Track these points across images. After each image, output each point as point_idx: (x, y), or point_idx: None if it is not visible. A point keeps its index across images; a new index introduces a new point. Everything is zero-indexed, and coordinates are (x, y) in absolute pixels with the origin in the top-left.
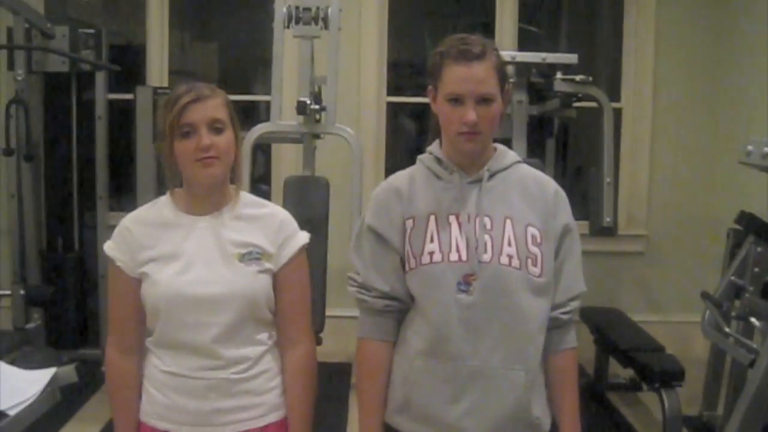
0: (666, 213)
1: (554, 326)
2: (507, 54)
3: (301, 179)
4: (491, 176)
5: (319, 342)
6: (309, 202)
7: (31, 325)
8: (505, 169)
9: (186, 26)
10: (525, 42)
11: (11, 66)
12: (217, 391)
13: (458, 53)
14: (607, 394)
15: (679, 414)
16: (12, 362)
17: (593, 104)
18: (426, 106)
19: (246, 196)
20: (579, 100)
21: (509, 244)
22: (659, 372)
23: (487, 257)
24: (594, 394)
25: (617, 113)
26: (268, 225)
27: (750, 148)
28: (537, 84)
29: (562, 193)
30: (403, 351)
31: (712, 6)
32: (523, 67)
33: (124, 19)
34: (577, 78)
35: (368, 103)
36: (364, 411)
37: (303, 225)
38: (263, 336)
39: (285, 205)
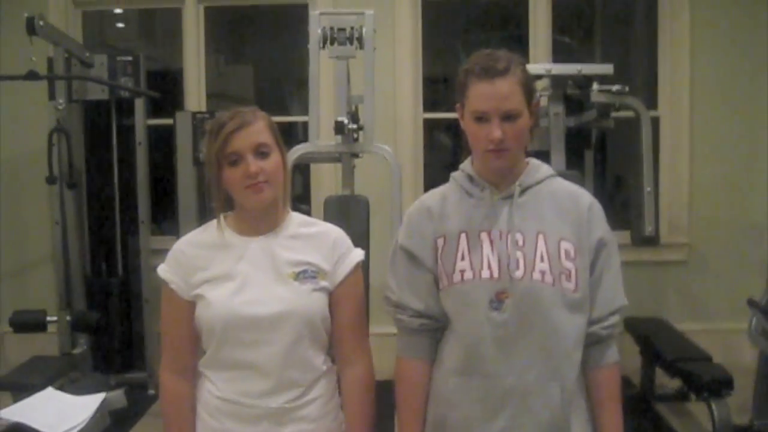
0: (708, 220)
1: (593, 342)
2: (542, 67)
3: (341, 198)
4: (523, 191)
5: None
6: (349, 222)
7: (77, 351)
8: (538, 183)
9: (221, 49)
10: (559, 53)
11: (52, 96)
12: (271, 420)
13: (482, 70)
14: (655, 405)
15: (729, 423)
16: (60, 388)
17: (631, 114)
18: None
19: (297, 216)
20: (616, 110)
21: (542, 260)
22: (707, 381)
23: (519, 274)
24: (641, 405)
25: (655, 122)
26: (323, 243)
27: None
28: (573, 95)
29: (597, 206)
30: (439, 370)
31: (747, 11)
32: (558, 79)
33: (160, 44)
34: (614, 88)
35: (405, 121)
36: (403, 429)
37: None
38: (319, 360)
39: None
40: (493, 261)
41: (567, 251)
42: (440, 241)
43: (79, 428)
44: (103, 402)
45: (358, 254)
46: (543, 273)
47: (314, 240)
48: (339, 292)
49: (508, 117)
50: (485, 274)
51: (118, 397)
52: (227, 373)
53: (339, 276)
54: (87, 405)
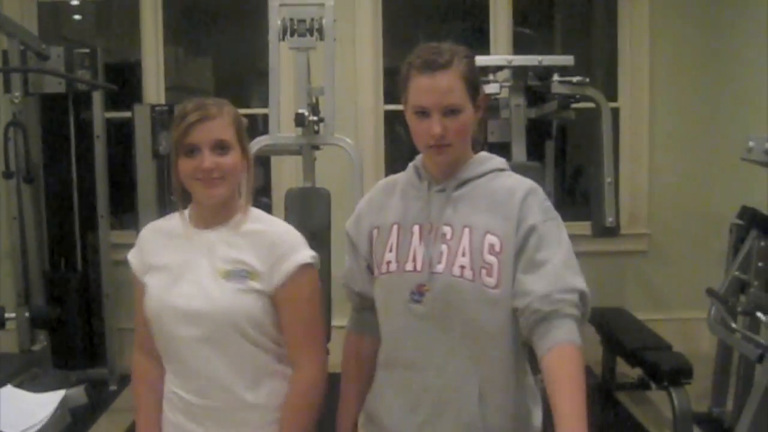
0: (667, 211)
1: (536, 320)
2: (503, 58)
3: (302, 191)
4: (460, 185)
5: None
6: (311, 214)
7: (37, 347)
8: (479, 177)
9: (180, 42)
10: (520, 45)
11: (7, 89)
12: (213, 419)
13: (423, 63)
14: (617, 394)
15: (689, 411)
16: (19, 385)
17: (591, 105)
18: None
19: (255, 213)
20: (577, 101)
21: (463, 254)
22: (668, 370)
23: (440, 267)
24: (602, 394)
25: (615, 113)
26: (261, 243)
27: (751, 144)
28: (534, 87)
29: (536, 196)
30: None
31: (707, 2)
32: (519, 71)
33: (118, 37)
34: (574, 79)
35: (366, 112)
36: (341, 397)
37: (306, 236)
38: (258, 362)
39: (287, 218)
40: (419, 254)
41: (492, 245)
42: (374, 232)
43: (39, 426)
44: (64, 399)
45: (303, 256)
46: (463, 268)
47: (254, 239)
48: (279, 296)
49: (450, 112)
50: (409, 266)
51: (79, 393)
52: (170, 366)
53: (276, 279)
54: (47, 402)
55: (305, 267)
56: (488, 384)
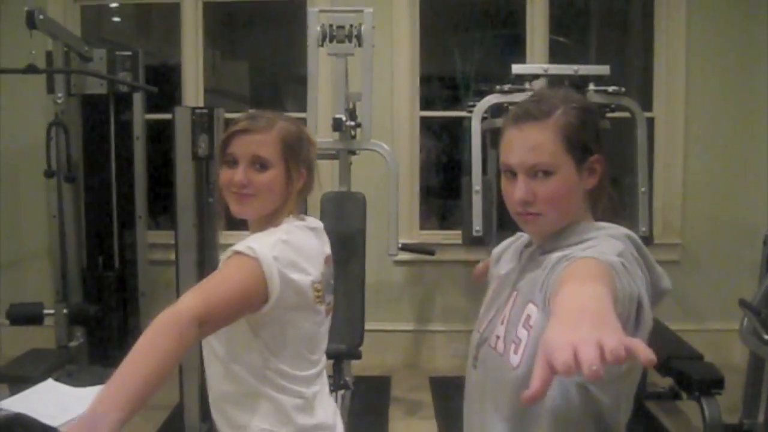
0: (701, 221)
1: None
2: (539, 66)
3: (337, 195)
4: (545, 253)
5: (358, 356)
6: (346, 218)
7: (74, 344)
8: (569, 246)
9: (218, 45)
10: (556, 54)
11: (51, 89)
12: None
13: (516, 114)
14: (647, 403)
15: (719, 422)
16: (57, 380)
17: (627, 115)
18: (458, 119)
19: (285, 224)
20: (612, 111)
21: (502, 323)
22: (698, 380)
23: (487, 334)
24: (633, 403)
25: (650, 123)
26: None
27: None
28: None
29: (572, 258)
30: None
31: (743, 12)
32: (555, 80)
33: (158, 40)
34: (610, 89)
35: (402, 118)
36: None
37: (340, 241)
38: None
39: (322, 221)
40: (486, 316)
41: (528, 316)
42: (491, 283)
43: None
44: None
45: (241, 246)
46: (498, 338)
47: None
48: None
49: (539, 173)
50: (478, 326)
51: None
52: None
53: None
54: (86, 397)
55: (236, 253)
56: None
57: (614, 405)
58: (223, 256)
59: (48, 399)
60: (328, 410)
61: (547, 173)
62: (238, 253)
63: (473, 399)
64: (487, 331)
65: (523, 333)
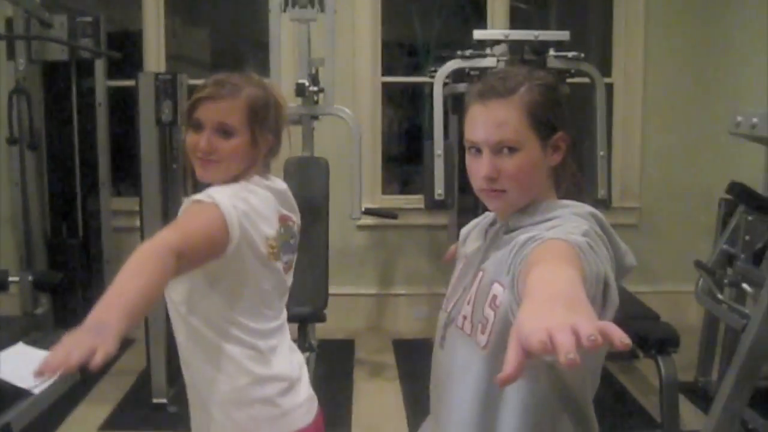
0: (659, 185)
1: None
2: (500, 32)
3: (301, 160)
4: (509, 231)
5: (323, 319)
6: (310, 183)
7: (39, 311)
8: (533, 225)
9: (179, 11)
10: (517, 20)
11: (11, 56)
12: None
13: (481, 90)
14: (605, 363)
15: (675, 380)
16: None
17: (586, 80)
18: (419, 85)
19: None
20: (571, 76)
21: (468, 303)
22: (655, 339)
23: (455, 314)
24: None
25: (609, 88)
26: None
27: (739, 118)
28: (530, 61)
29: (539, 239)
30: None
31: None
32: (516, 45)
33: (119, 6)
34: (569, 54)
35: (364, 84)
36: None
37: (304, 205)
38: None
39: None
40: (453, 295)
41: (495, 296)
42: (458, 263)
43: (51, 381)
44: None
45: (200, 196)
46: (464, 318)
47: None
48: None
49: (504, 150)
50: (445, 305)
51: None
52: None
53: None
54: None
55: (196, 201)
56: None
57: (580, 381)
58: (183, 206)
59: (19, 361)
60: (291, 363)
61: (512, 150)
62: (198, 201)
63: (440, 379)
64: (454, 312)
65: (489, 313)
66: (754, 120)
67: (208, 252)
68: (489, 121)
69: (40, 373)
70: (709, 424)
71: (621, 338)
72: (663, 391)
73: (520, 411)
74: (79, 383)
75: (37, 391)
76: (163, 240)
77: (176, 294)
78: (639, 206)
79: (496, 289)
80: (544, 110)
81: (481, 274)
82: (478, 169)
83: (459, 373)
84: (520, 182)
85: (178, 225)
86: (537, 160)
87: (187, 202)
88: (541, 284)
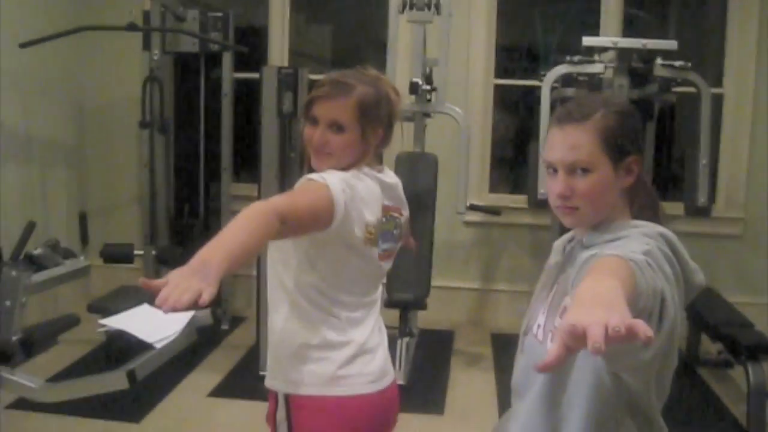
0: (764, 197)
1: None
2: (608, 39)
3: (411, 155)
4: (585, 248)
5: (424, 307)
6: (418, 177)
7: None
8: (604, 243)
9: (303, 9)
10: (634, 27)
11: (147, 47)
12: None
13: (559, 115)
14: (699, 370)
15: (763, 387)
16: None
17: (694, 90)
18: (532, 89)
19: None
20: (678, 84)
21: (543, 313)
22: (745, 345)
23: (532, 322)
24: (685, 369)
25: (719, 99)
26: None
27: None
28: (637, 69)
29: (597, 256)
30: None
31: None
32: (624, 53)
33: (247, 2)
34: (677, 63)
35: (476, 85)
36: None
37: (412, 198)
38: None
39: None
40: (533, 305)
41: (564, 308)
42: (541, 276)
43: (172, 338)
44: (192, 318)
45: (310, 175)
46: (539, 327)
47: None
48: None
49: (577, 171)
50: (527, 315)
51: (205, 315)
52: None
53: None
54: (179, 319)
55: (309, 179)
56: None
57: (644, 389)
58: (298, 182)
59: (144, 319)
60: (370, 335)
61: (585, 170)
62: (311, 179)
63: (519, 383)
64: (532, 321)
65: (559, 323)
66: None
67: (311, 224)
68: (565, 143)
69: (157, 307)
70: None
71: (645, 332)
72: (750, 397)
73: (585, 414)
74: (197, 342)
75: (158, 345)
76: (273, 203)
77: (279, 254)
78: (743, 217)
79: (566, 301)
80: (617, 135)
81: (556, 287)
82: (554, 187)
83: (532, 376)
84: (592, 201)
85: (289, 194)
86: (609, 181)
87: (302, 179)
88: (586, 291)
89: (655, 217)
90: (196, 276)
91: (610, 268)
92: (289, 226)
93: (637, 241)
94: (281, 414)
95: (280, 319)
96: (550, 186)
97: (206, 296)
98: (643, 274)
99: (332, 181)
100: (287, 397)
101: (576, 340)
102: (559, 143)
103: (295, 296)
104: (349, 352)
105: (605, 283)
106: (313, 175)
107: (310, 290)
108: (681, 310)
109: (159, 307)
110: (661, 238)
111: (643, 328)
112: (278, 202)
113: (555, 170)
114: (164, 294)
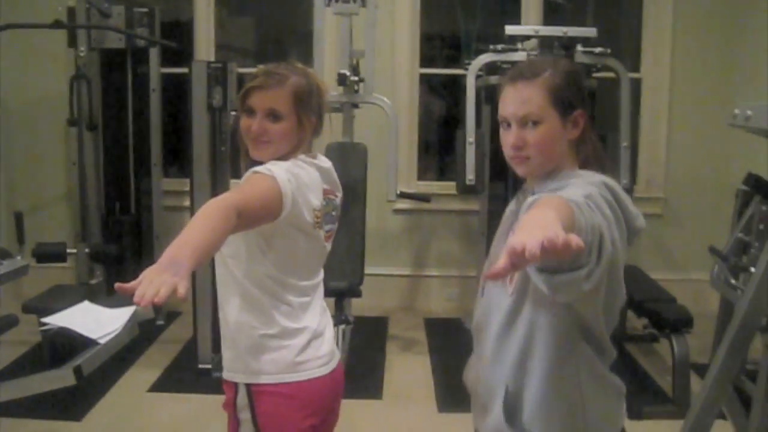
0: (683, 177)
1: None
2: (530, 28)
3: (341, 145)
4: (533, 195)
5: (358, 294)
6: (349, 167)
7: (94, 281)
8: (546, 191)
9: (226, 2)
10: (553, 15)
11: (72, 43)
12: None
13: (511, 74)
14: (626, 345)
15: (687, 358)
16: None
17: (613, 75)
18: (456, 77)
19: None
20: (598, 70)
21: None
22: (669, 319)
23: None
24: (613, 344)
25: (637, 83)
26: None
27: (737, 111)
28: (559, 56)
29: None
30: None
31: None
32: (545, 41)
33: None
34: (596, 50)
35: (402, 74)
36: None
37: (343, 188)
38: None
39: None
40: (493, 251)
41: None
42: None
43: (115, 333)
44: (134, 313)
45: (259, 168)
46: None
47: None
48: None
49: (529, 123)
50: (489, 261)
51: (146, 309)
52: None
53: None
54: (120, 315)
55: (256, 172)
56: (517, 392)
57: (595, 316)
58: (244, 176)
59: (86, 316)
60: (318, 319)
61: (536, 123)
62: (258, 172)
63: (480, 320)
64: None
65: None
66: (749, 112)
67: (263, 215)
68: (516, 98)
69: (136, 303)
70: (704, 387)
71: (577, 243)
72: (675, 368)
73: (547, 335)
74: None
75: (102, 341)
76: (228, 199)
77: (228, 249)
78: (663, 197)
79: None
80: (563, 91)
81: (511, 233)
82: (508, 139)
83: (494, 313)
84: (542, 151)
85: (240, 189)
86: (557, 133)
87: (248, 173)
88: (526, 220)
89: (600, 168)
90: (168, 271)
91: (550, 204)
92: (243, 219)
93: (581, 187)
94: (242, 401)
95: (233, 311)
96: (504, 139)
97: (182, 289)
98: (582, 212)
99: (278, 172)
100: (248, 387)
101: (518, 257)
102: (512, 99)
103: (247, 287)
104: (304, 338)
105: (544, 213)
106: (259, 168)
107: (263, 278)
108: (624, 252)
109: (137, 304)
110: (603, 185)
111: (575, 240)
112: (233, 197)
113: (509, 124)
114: (140, 291)
